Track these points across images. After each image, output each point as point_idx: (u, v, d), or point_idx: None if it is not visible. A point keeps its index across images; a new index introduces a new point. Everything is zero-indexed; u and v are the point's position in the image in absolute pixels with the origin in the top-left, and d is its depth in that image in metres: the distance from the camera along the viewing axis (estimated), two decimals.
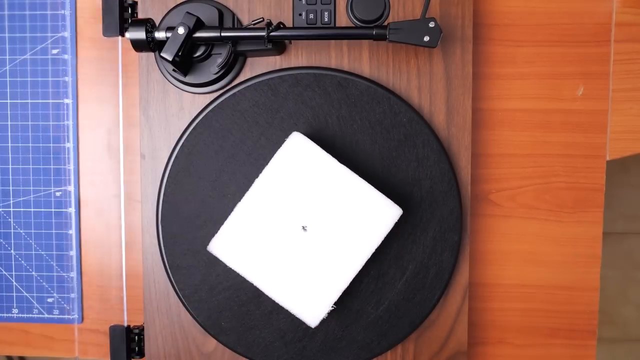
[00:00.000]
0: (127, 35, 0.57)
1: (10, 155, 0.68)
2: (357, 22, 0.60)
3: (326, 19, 0.60)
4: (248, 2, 0.61)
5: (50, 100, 0.68)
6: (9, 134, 0.68)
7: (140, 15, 0.61)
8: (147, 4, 0.61)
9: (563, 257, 0.65)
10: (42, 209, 0.68)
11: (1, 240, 0.69)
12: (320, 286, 0.56)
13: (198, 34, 0.57)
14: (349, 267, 0.56)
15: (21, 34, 0.68)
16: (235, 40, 0.58)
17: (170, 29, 0.57)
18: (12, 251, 0.69)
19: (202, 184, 0.61)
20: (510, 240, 0.66)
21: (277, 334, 0.61)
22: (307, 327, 0.57)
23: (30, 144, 0.68)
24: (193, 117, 0.61)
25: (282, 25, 0.58)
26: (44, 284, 0.69)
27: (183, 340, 0.63)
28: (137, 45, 0.57)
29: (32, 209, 0.68)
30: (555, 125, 0.64)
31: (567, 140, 0.64)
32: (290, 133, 0.57)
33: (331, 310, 0.57)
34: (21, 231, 0.69)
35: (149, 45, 0.57)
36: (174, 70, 0.59)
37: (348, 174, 0.56)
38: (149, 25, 0.57)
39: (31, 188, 0.68)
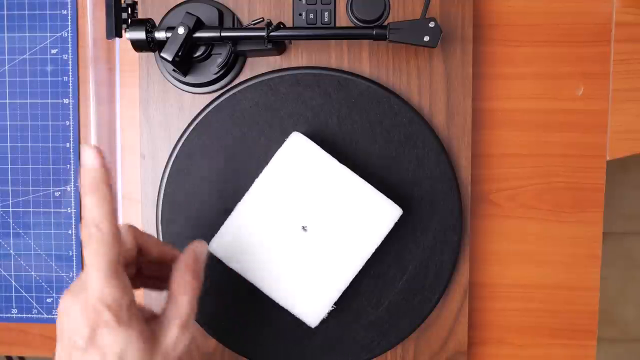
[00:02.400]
0: (127, 35, 0.57)
1: (9, 155, 0.68)
2: (357, 22, 0.60)
3: (326, 19, 0.60)
4: (248, 2, 0.61)
5: (50, 100, 0.68)
6: (9, 134, 0.68)
7: (140, 15, 0.61)
8: (147, 4, 0.61)
9: (563, 257, 0.65)
10: (42, 209, 0.68)
11: (0, 241, 0.69)
12: (320, 286, 0.56)
13: (198, 34, 0.57)
14: (349, 267, 0.56)
15: (21, 33, 0.68)
16: (235, 40, 0.58)
17: (170, 29, 0.57)
18: (12, 251, 0.69)
19: (202, 184, 0.61)
20: (510, 240, 0.66)
21: (277, 334, 0.61)
22: (307, 327, 0.57)
23: (29, 144, 0.68)
24: (193, 117, 0.61)
25: (282, 25, 0.58)
26: (44, 284, 0.69)
27: None
28: (137, 45, 0.57)
29: (31, 209, 0.68)
30: (555, 125, 0.64)
31: (567, 140, 0.64)
32: (290, 133, 0.57)
33: (331, 310, 0.57)
34: (20, 231, 0.69)
35: (149, 45, 0.57)
36: (174, 70, 0.59)
37: (348, 174, 0.56)
38: (149, 25, 0.57)
39: (30, 188, 0.68)
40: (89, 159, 0.40)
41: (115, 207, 0.41)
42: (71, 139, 0.68)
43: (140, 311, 0.42)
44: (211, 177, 0.61)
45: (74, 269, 0.68)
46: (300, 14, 0.61)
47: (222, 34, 0.57)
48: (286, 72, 0.60)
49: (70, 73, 0.67)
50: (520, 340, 0.66)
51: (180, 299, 0.44)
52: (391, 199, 0.57)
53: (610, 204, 1.44)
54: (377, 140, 0.60)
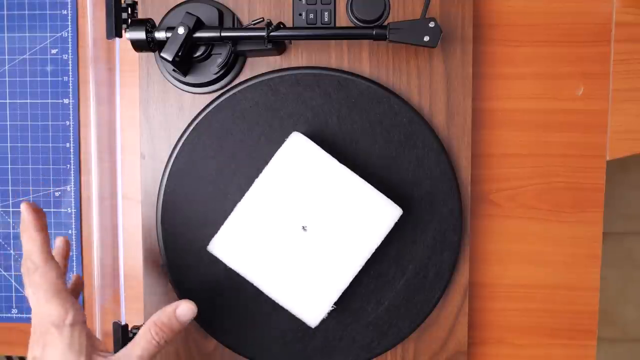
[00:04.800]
0: (127, 35, 0.57)
1: (9, 155, 0.68)
2: (357, 22, 0.60)
3: (326, 19, 0.60)
4: (248, 2, 0.61)
5: (50, 100, 0.68)
6: (9, 134, 0.68)
7: (140, 15, 0.61)
8: (147, 4, 0.61)
9: (563, 257, 0.65)
10: (42, 209, 0.68)
11: (1, 241, 0.69)
12: (320, 286, 0.56)
13: (198, 34, 0.57)
14: (349, 267, 0.56)
15: (21, 33, 0.68)
16: (235, 40, 0.58)
17: (170, 29, 0.57)
18: (12, 251, 0.69)
19: (202, 184, 0.61)
20: (510, 240, 0.66)
21: (277, 334, 0.61)
22: (307, 327, 0.57)
23: (29, 144, 0.68)
24: (193, 117, 0.61)
25: (282, 25, 0.58)
26: None
27: (183, 340, 0.63)
28: (137, 45, 0.57)
29: None
30: (555, 125, 0.64)
31: (567, 140, 0.64)
32: (290, 133, 0.57)
33: (331, 310, 0.57)
34: None
35: (149, 45, 0.57)
36: (174, 70, 0.59)
37: (348, 174, 0.56)
38: (149, 25, 0.57)
39: (30, 188, 0.68)
40: (23, 209, 0.50)
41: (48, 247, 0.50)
42: (71, 139, 0.68)
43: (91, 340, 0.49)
44: (211, 177, 0.61)
45: (74, 269, 0.68)
46: (300, 14, 0.61)
47: (222, 34, 0.57)
48: (286, 72, 0.60)
49: (70, 73, 0.67)
50: (520, 340, 0.66)
51: (137, 343, 0.50)
52: (391, 199, 0.57)
53: (610, 204, 1.44)
54: (377, 140, 0.60)
